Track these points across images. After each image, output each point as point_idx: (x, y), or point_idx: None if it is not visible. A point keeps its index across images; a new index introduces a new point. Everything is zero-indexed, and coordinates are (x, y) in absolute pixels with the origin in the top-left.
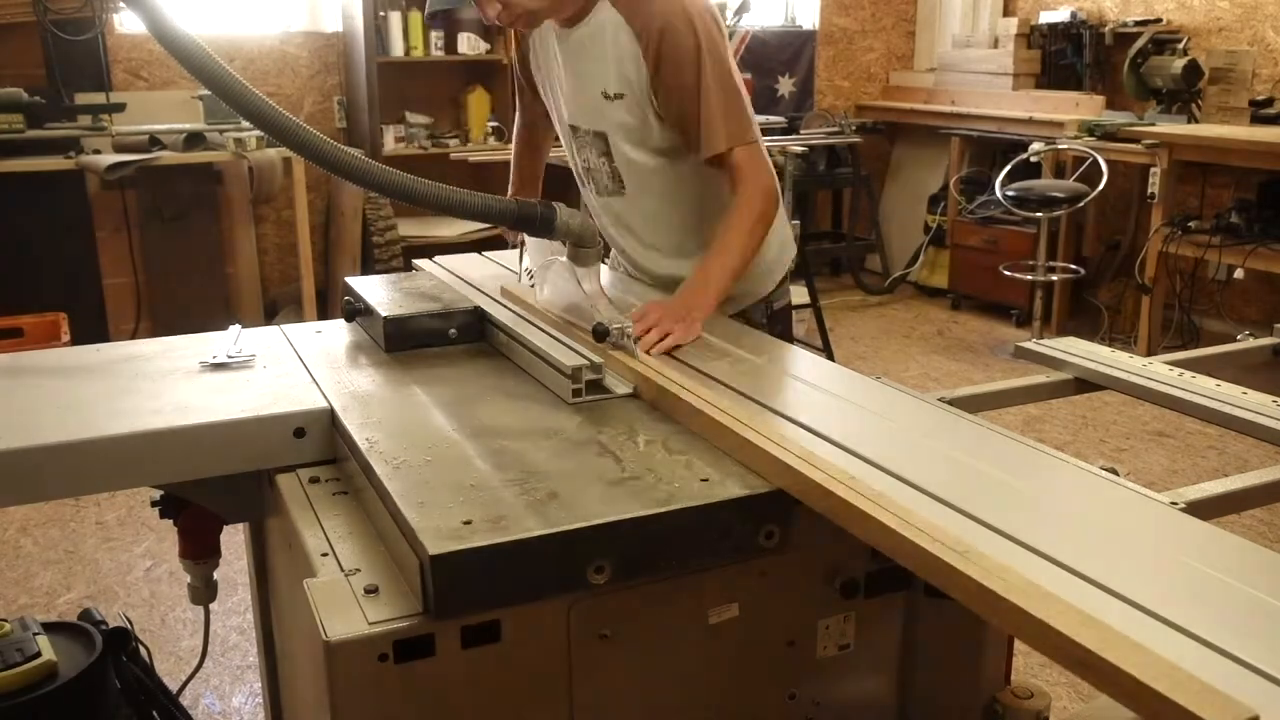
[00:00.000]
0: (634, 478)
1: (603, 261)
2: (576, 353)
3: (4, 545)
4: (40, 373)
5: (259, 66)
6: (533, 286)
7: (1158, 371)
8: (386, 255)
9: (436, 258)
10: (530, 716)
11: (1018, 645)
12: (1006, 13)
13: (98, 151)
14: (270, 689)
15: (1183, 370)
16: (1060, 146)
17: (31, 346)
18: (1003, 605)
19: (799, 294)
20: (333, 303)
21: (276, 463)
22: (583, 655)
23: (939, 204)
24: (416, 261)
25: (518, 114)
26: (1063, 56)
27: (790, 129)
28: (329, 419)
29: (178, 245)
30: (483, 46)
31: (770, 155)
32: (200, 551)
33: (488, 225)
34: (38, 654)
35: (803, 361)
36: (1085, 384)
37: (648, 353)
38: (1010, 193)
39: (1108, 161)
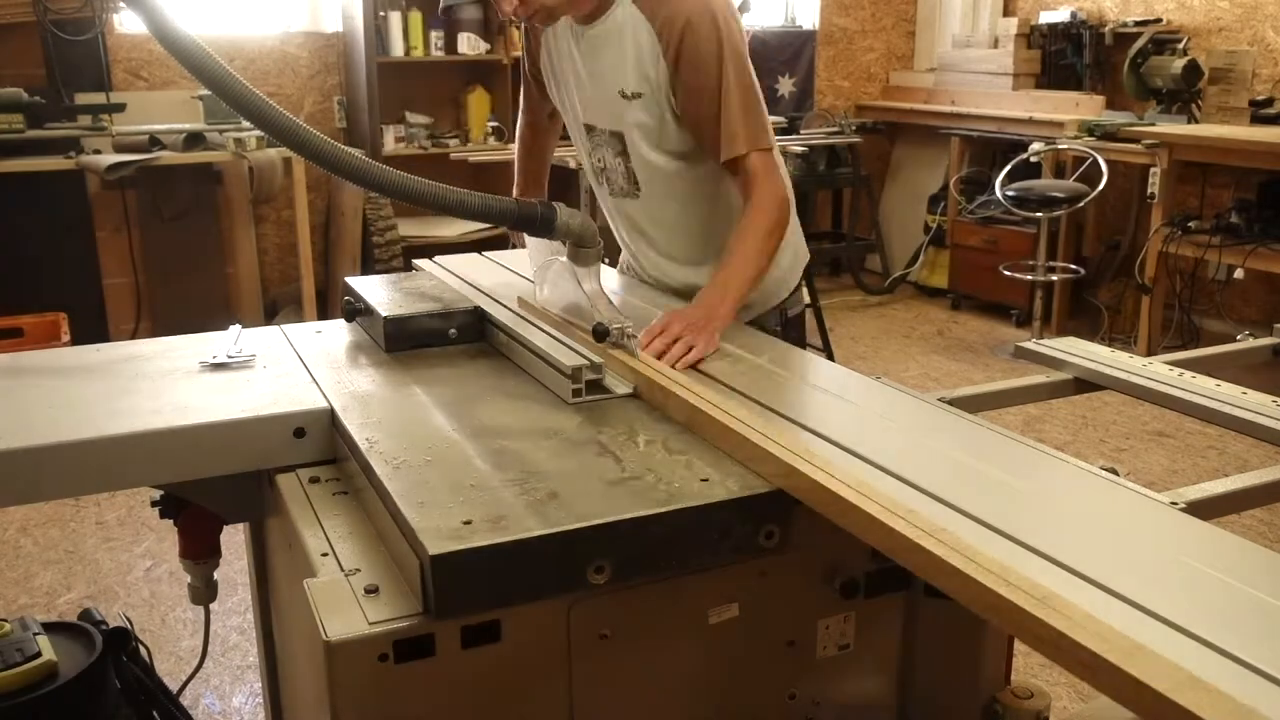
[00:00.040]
0: (634, 478)
1: (604, 261)
2: (576, 353)
3: (4, 545)
4: (40, 373)
5: (259, 66)
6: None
7: (1158, 371)
8: (386, 255)
9: (436, 258)
10: (530, 716)
11: (1018, 645)
12: (1006, 13)
13: (98, 151)
14: (270, 689)
15: (1183, 370)
16: (1060, 146)
17: (31, 346)
18: (1004, 606)
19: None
20: (333, 303)
21: (276, 463)
22: (583, 655)
23: (939, 204)
24: (416, 261)
25: (521, 113)
26: (1063, 56)
27: (790, 129)
28: (329, 419)
29: (178, 245)
30: (483, 46)
31: None
32: (200, 551)
33: (488, 225)
34: (38, 654)
35: (802, 361)
36: (1085, 384)
37: (673, 367)
38: (1010, 193)
39: (1108, 161)
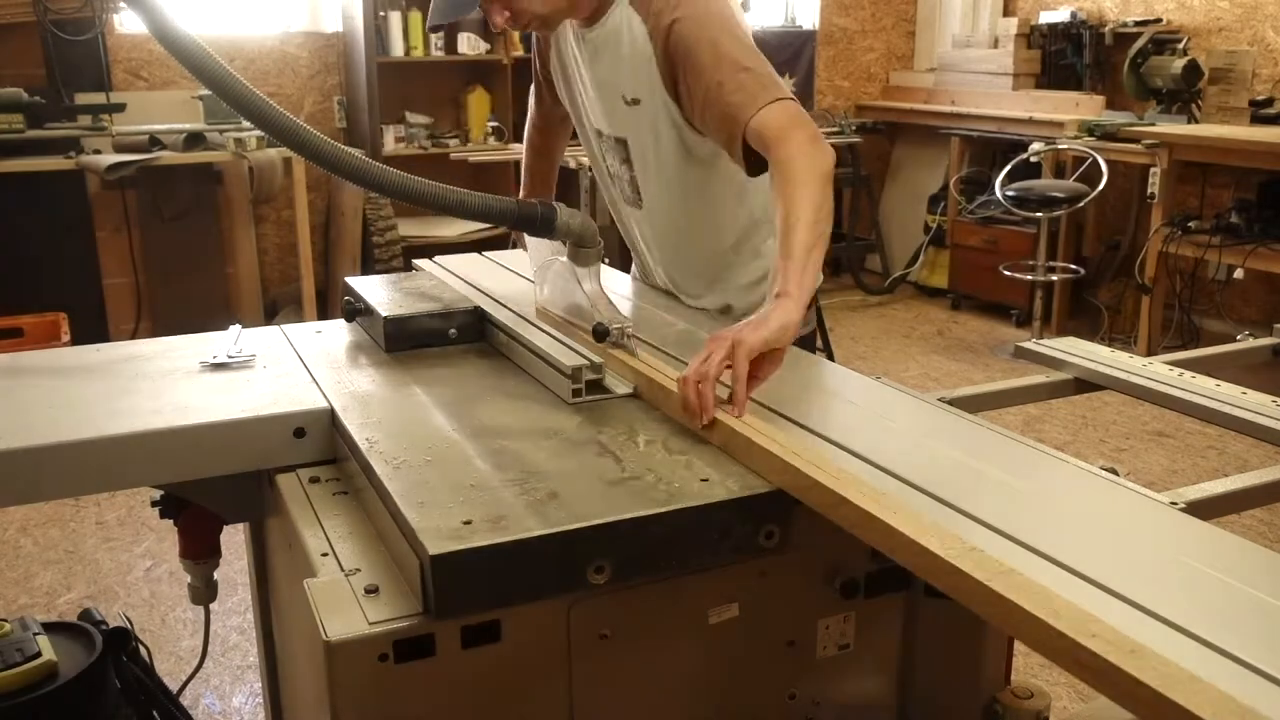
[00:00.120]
0: (634, 478)
1: (604, 261)
2: (576, 353)
3: (4, 545)
4: (40, 373)
5: (259, 66)
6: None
7: (1158, 371)
8: (386, 255)
9: (436, 258)
10: (530, 716)
11: (1017, 645)
12: (1006, 13)
13: (98, 151)
14: (270, 689)
15: (1183, 370)
16: (1060, 146)
17: (31, 346)
18: (1008, 608)
19: None
20: (333, 303)
21: (276, 463)
22: (583, 655)
23: (939, 204)
24: (416, 261)
25: (532, 113)
26: (1063, 56)
27: None
28: (329, 419)
29: (178, 245)
30: (483, 46)
31: None
32: (200, 551)
33: (488, 225)
34: (38, 654)
35: (802, 361)
36: (1085, 384)
37: (739, 417)
38: (1010, 193)
39: (1108, 161)
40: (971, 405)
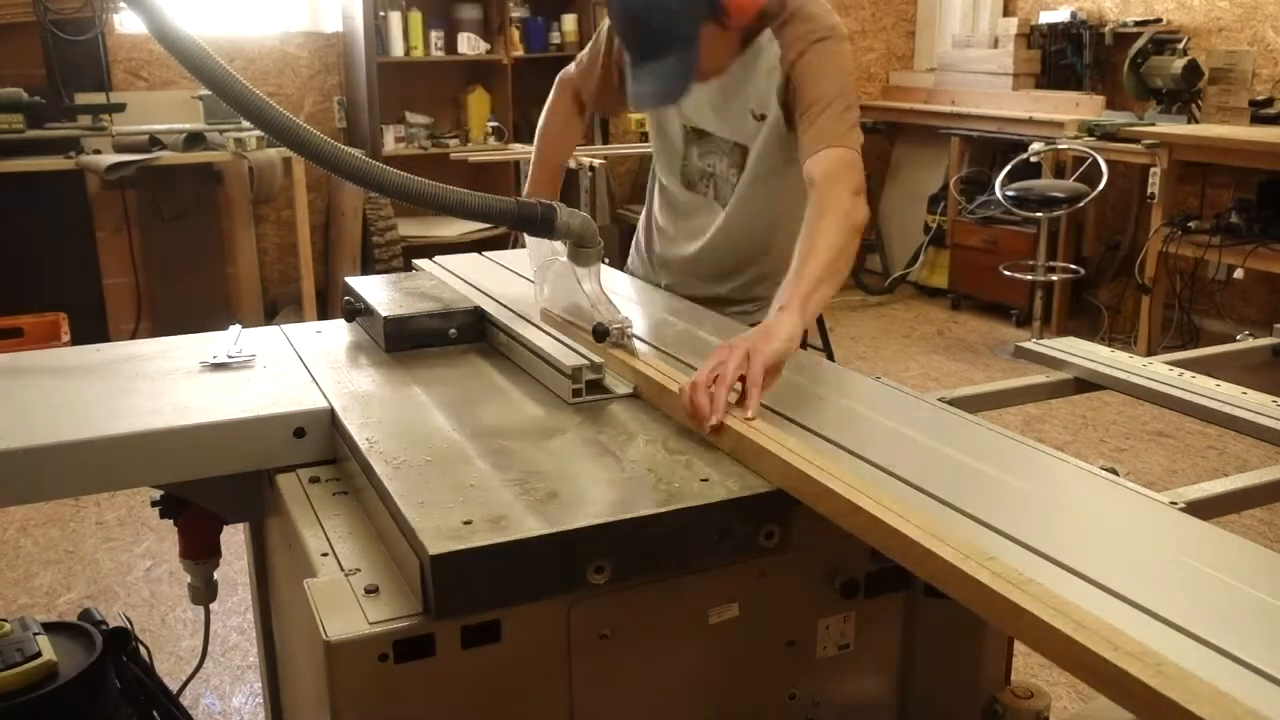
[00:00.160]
0: (634, 478)
1: (605, 261)
2: (576, 353)
3: (4, 545)
4: (40, 373)
5: (259, 66)
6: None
7: (1158, 371)
8: (386, 255)
9: (436, 258)
10: (530, 716)
11: (1017, 645)
12: (1006, 13)
13: (98, 151)
14: (270, 689)
15: (1183, 370)
16: (1060, 146)
17: (31, 346)
18: (1028, 620)
19: None
20: (333, 303)
21: (276, 463)
22: (583, 655)
23: (939, 204)
24: (416, 261)
25: (561, 103)
26: (1063, 56)
27: None
28: (329, 419)
29: (178, 245)
30: (483, 46)
31: None
32: (200, 551)
33: (488, 225)
34: (38, 654)
35: (802, 361)
36: (1085, 384)
37: (749, 420)
38: (1010, 193)
39: (1108, 161)
40: (971, 405)
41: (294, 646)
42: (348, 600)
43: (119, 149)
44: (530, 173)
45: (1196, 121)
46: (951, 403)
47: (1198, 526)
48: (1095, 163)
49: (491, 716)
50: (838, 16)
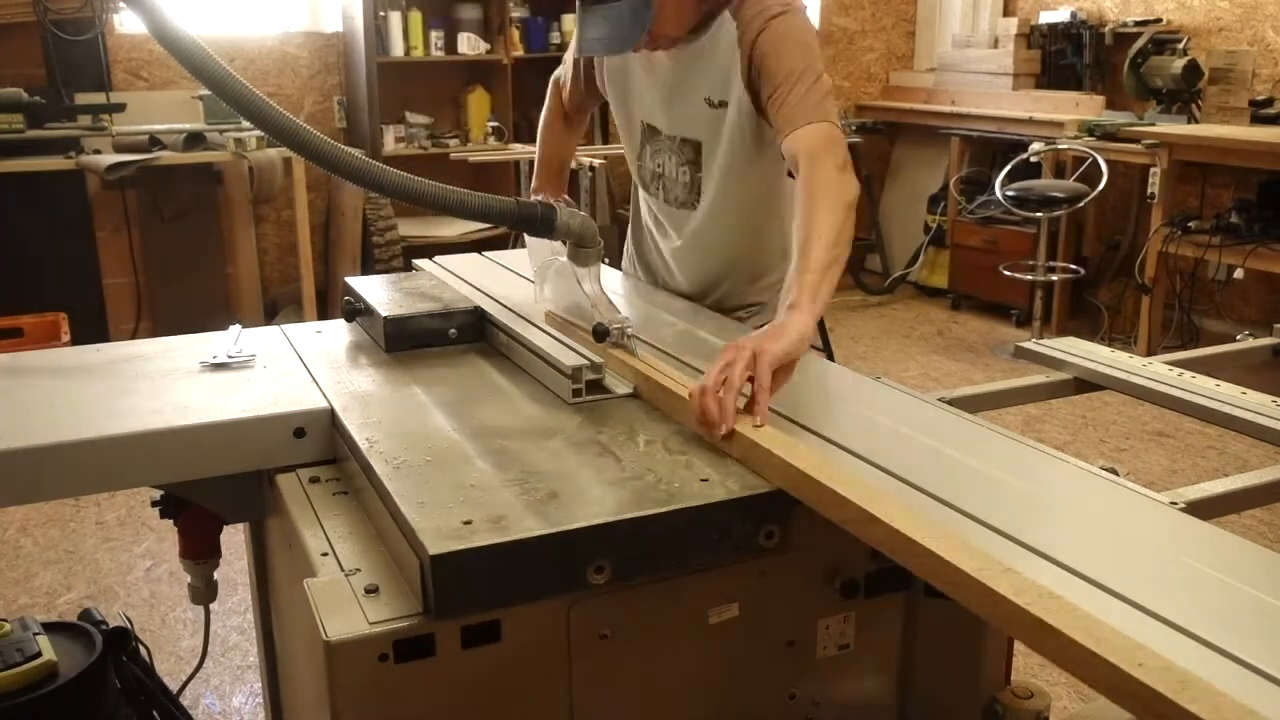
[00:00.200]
0: (634, 478)
1: (605, 262)
2: (576, 353)
3: (4, 545)
4: (40, 373)
5: (259, 66)
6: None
7: (1158, 371)
8: (386, 255)
9: (436, 258)
10: (530, 716)
11: (1018, 645)
12: (1006, 13)
13: (98, 151)
14: (270, 689)
15: (1183, 370)
16: (1060, 146)
17: (31, 346)
18: (1047, 633)
19: None
20: (333, 303)
21: (276, 463)
22: (583, 655)
23: (939, 204)
24: (416, 261)
25: (557, 104)
26: (1063, 56)
27: None
28: (329, 419)
29: (178, 245)
30: (483, 46)
31: None
32: (200, 551)
33: (488, 225)
34: (38, 654)
35: (803, 362)
36: (1085, 384)
37: (758, 427)
38: (1010, 193)
39: (1108, 161)
40: (971, 405)
41: (294, 646)
42: (348, 600)
43: (119, 149)
44: (534, 172)
45: (1196, 121)
46: (952, 403)
47: (1198, 526)
48: (1095, 163)
49: (491, 716)
50: None
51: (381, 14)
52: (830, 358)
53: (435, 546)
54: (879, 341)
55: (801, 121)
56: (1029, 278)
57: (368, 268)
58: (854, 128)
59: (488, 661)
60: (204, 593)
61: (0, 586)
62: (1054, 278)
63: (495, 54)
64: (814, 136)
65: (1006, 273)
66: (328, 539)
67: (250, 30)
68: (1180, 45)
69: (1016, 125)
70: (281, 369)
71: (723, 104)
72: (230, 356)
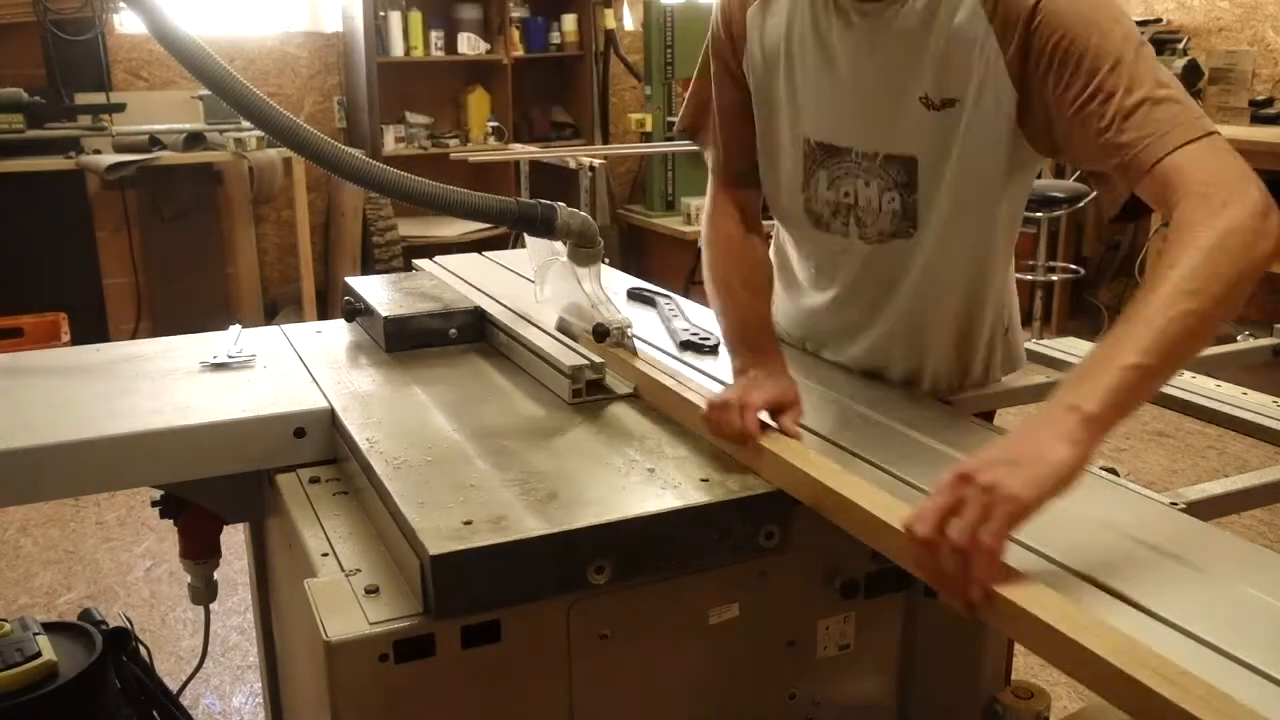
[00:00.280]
0: (634, 478)
1: (605, 262)
2: (576, 353)
3: (4, 545)
4: (40, 373)
5: (259, 66)
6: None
7: None
8: (386, 255)
9: (436, 258)
10: (530, 716)
11: (1018, 645)
12: None
13: (98, 151)
14: (270, 689)
15: (1182, 370)
16: None
17: (31, 346)
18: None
19: None
20: (333, 303)
21: (276, 463)
22: (583, 655)
23: None
24: (416, 261)
25: (725, 189)
26: None
27: None
28: (329, 419)
29: (178, 245)
30: (483, 46)
31: None
32: (200, 551)
33: (488, 225)
34: (38, 654)
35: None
36: None
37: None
38: None
39: None
40: (972, 405)
41: (294, 646)
42: (348, 600)
43: (119, 149)
44: (728, 332)
45: None
46: (951, 403)
47: (1198, 526)
48: None
49: (491, 716)
50: None
51: (381, 14)
52: None
53: (435, 546)
54: None
55: (1174, 141)
56: (1029, 278)
57: (368, 268)
58: None
59: (488, 661)
60: (204, 593)
61: (0, 586)
62: (1054, 278)
63: (495, 54)
64: (1203, 159)
65: None
66: (328, 539)
67: (250, 30)
68: (1180, 45)
69: None
70: (281, 369)
71: (949, 103)
72: (230, 356)
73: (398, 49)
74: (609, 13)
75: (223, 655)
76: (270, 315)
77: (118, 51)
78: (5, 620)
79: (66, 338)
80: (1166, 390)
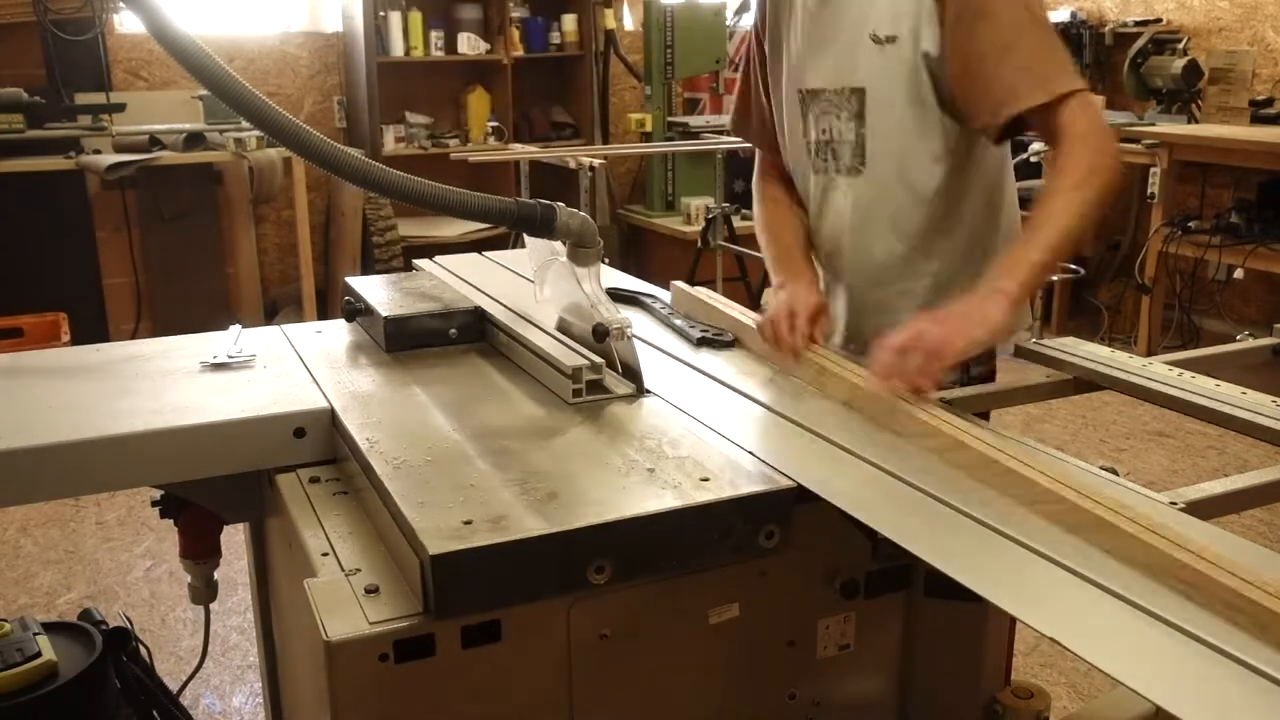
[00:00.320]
0: (634, 478)
1: (604, 262)
2: (576, 353)
3: (4, 545)
4: (40, 373)
5: (259, 66)
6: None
7: (1157, 371)
8: (386, 255)
9: (436, 258)
10: (530, 716)
11: (1018, 645)
12: None
13: (98, 151)
14: (270, 689)
15: (1182, 370)
16: None
17: (31, 346)
18: None
19: None
20: (333, 303)
21: (276, 463)
22: (583, 655)
23: None
24: (416, 261)
25: (764, 158)
26: None
27: None
28: (329, 419)
29: (178, 245)
30: (483, 46)
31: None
32: (200, 551)
33: (488, 225)
34: (38, 654)
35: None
36: (1085, 384)
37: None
38: None
39: None
40: (972, 405)
41: (294, 646)
42: (348, 600)
43: (119, 149)
44: (768, 261)
45: (1196, 121)
46: (951, 403)
47: (1198, 526)
48: None
49: (491, 716)
50: None
51: (381, 14)
52: None
53: (435, 546)
54: None
55: (1052, 91)
56: None
57: (368, 268)
58: None
59: (488, 661)
60: (204, 593)
61: (0, 586)
62: (1054, 277)
63: (495, 54)
64: (1081, 114)
65: None
66: (328, 539)
67: (250, 30)
68: (1180, 45)
69: None
70: (281, 369)
71: (891, 39)
72: (230, 356)
73: (398, 49)
74: (609, 13)
75: (223, 655)
76: (270, 315)
77: (118, 51)
78: (5, 620)
79: (66, 338)
80: (1166, 390)
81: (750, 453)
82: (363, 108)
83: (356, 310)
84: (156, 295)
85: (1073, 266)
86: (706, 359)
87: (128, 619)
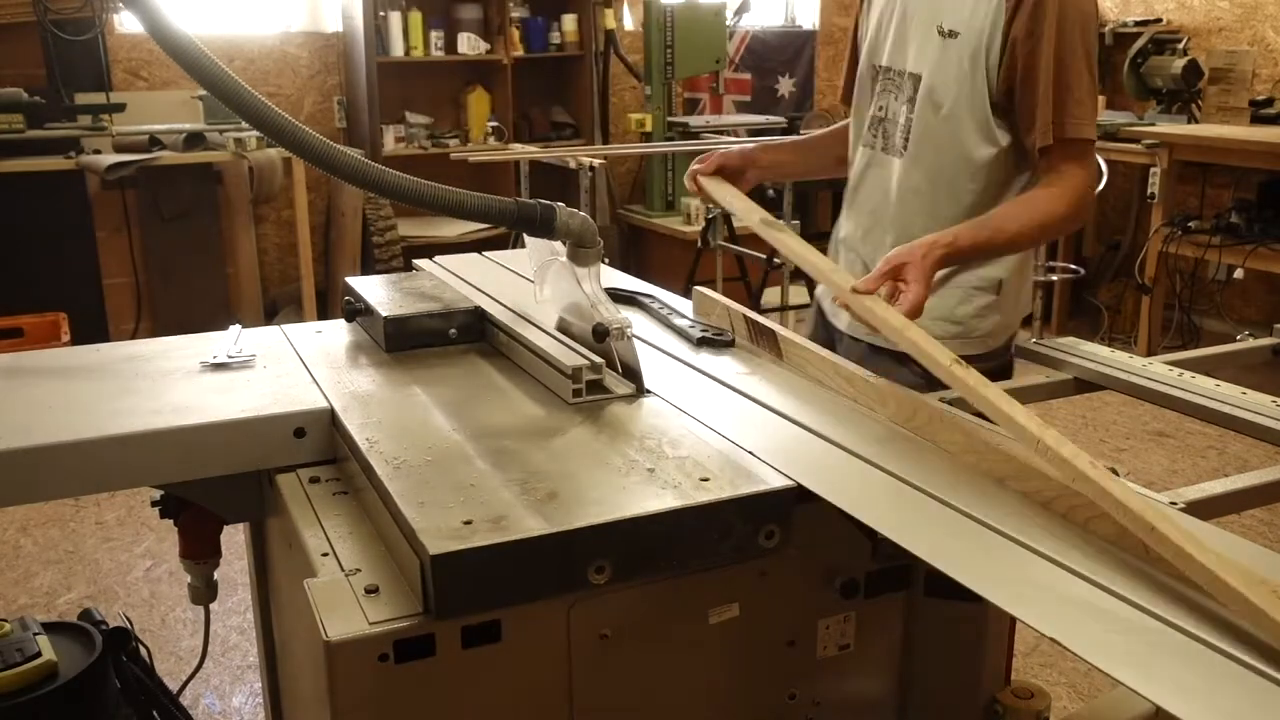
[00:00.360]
0: (634, 478)
1: (604, 261)
2: (576, 353)
3: (4, 545)
4: (40, 373)
5: (259, 66)
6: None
7: (1157, 371)
8: (386, 255)
9: (436, 258)
10: (530, 716)
11: (1018, 645)
12: None
13: (98, 151)
14: (270, 689)
15: (1182, 370)
16: None
17: (31, 346)
18: None
19: (799, 294)
20: (333, 303)
21: (276, 463)
22: (583, 655)
23: None
24: (416, 261)
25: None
26: None
27: (790, 129)
28: (329, 419)
29: (178, 245)
30: (483, 46)
31: None
32: (200, 551)
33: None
34: (38, 654)
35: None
36: (1085, 384)
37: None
38: None
39: (1108, 161)
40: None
41: (294, 646)
42: (348, 600)
43: (119, 149)
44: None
45: (1196, 121)
46: (951, 403)
47: (1198, 527)
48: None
49: (491, 716)
50: None
51: (381, 14)
52: None
53: (435, 546)
54: None
55: (1078, 131)
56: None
57: (368, 268)
58: None
59: (488, 661)
60: (204, 593)
61: (0, 586)
62: (1054, 278)
63: (495, 54)
64: (1079, 161)
65: None
66: (328, 539)
67: (250, 30)
68: (1180, 45)
69: None
70: (281, 369)
71: (953, 34)
72: (230, 356)
73: (398, 49)
74: (609, 13)
75: (223, 655)
76: (270, 315)
77: (118, 51)
78: (5, 620)
79: (66, 338)
80: (1166, 390)
81: (750, 453)
82: (363, 108)
83: (356, 310)
84: (156, 295)
85: (1073, 267)
86: (706, 359)
87: (128, 619)
